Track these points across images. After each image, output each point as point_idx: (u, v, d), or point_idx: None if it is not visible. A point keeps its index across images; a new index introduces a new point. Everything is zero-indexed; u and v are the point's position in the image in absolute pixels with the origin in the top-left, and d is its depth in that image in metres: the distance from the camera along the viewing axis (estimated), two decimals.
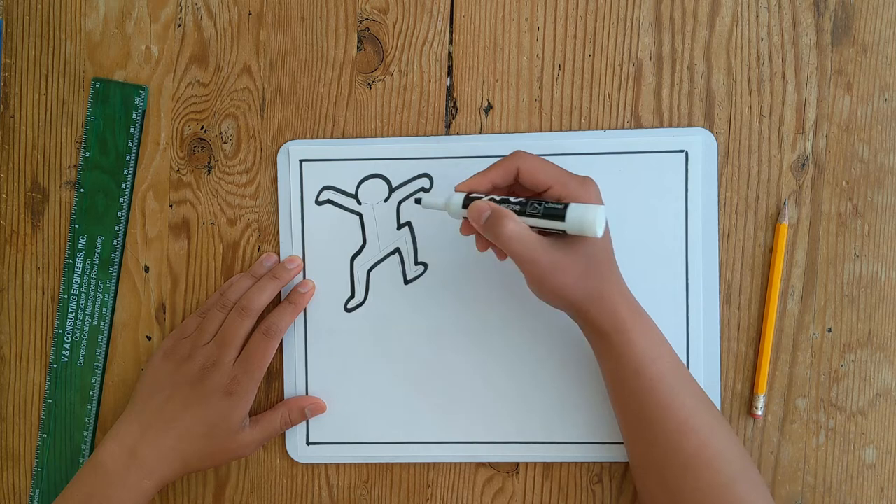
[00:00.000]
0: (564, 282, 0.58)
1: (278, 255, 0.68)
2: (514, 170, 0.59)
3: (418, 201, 0.62)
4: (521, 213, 0.57)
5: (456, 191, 0.60)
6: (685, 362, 0.66)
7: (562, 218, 0.56)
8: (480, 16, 0.67)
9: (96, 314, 0.69)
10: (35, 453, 0.70)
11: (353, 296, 0.68)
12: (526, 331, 0.67)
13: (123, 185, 0.69)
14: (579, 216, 0.55)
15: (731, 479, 0.58)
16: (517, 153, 0.59)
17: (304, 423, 0.68)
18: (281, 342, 0.68)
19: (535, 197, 0.59)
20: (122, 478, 0.62)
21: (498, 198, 0.58)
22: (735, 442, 0.60)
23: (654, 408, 0.59)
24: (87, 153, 0.69)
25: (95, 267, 0.69)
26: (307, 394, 0.68)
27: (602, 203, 0.59)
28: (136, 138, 0.69)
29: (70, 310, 0.69)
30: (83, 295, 0.69)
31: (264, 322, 0.66)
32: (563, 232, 0.57)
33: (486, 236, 0.58)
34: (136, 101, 0.69)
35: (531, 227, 0.57)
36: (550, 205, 0.56)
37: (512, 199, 0.58)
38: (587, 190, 0.58)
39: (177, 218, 0.69)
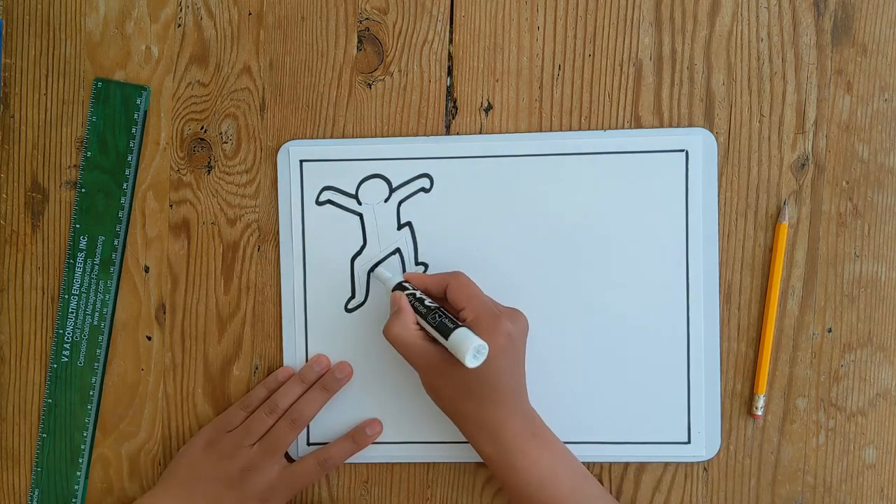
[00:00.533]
0: (438, 392, 0.62)
1: (278, 256, 0.68)
2: (445, 284, 0.63)
3: (372, 269, 0.68)
4: (423, 316, 0.61)
5: (403, 276, 0.65)
6: (686, 362, 0.66)
7: (445, 336, 0.58)
8: (480, 16, 0.67)
9: (97, 314, 0.69)
10: (35, 453, 0.70)
11: (353, 296, 0.68)
12: None
13: (124, 185, 0.69)
14: (458, 342, 0.57)
15: None
16: (457, 273, 0.63)
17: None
18: (280, 336, 0.68)
19: (450, 311, 0.62)
20: None
21: (418, 294, 0.63)
22: None
23: None
24: (88, 153, 0.69)
25: (96, 267, 0.69)
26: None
27: (514, 341, 0.60)
28: (138, 138, 0.69)
29: (70, 310, 0.69)
30: (84, 295, 0.69)
31: (292, 410, 0.66)
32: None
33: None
34: (138, 102, 0.69)
35: (432, 335, 0.61)
36: (446, 322, 0.59)
37: (426, 301, 0.62)
38: (494, 324, 0.59)
39: (177, 218, 0.69)
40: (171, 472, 0.67)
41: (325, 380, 0.67)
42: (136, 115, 0.69)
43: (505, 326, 0.59)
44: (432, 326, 0.60)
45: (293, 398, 0.67)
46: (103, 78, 0.69)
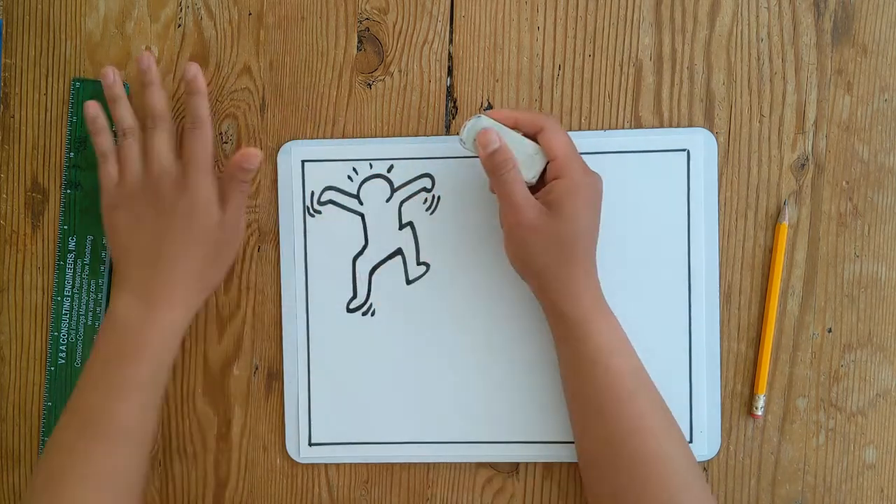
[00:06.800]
0: (536, 243, 0.60)
1: (278, 256, 0.68)
2: (539, 127, 0.61)
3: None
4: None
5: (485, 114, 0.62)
6: (688, 362, 0.66)
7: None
8: (480, 16, 0.67)
9: (90, 314, 0.69)
10: (37, 454, 0.70)
11: (354, 296, 0.68)
12: (527, 330, 0.67)
13: None
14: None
15: (677, 490, 0.58)
16: (551, 120, 0.61)
17: (307, 423, 0.68)
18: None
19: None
20: (148, 322, 0.62)
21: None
22: (685, 451, 0.60)
23: (610, 402, 0.60)
24: (71, 154, 0.69)
25: (86, 267, 0.69)
26: (309, 396, 0.68)
27: (597, 200, 0.62)
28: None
29: (64, 311, 0.69)
30: (76, 296, 0.69)
31: (186, 120, 0.65)
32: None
33: (486, 166, 0.61)
34: None
35: None
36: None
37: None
38: (587, 176, 0.60)
39: None
40: (112, 248, 0.65)
41: (141, 75, 0.65)
42: None
43: (596, 183, 0.61)
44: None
45: (129, 112, 0.65)
46: (81, 78, 0.69)
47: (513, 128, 0.61)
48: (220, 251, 0.65)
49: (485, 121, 0.61)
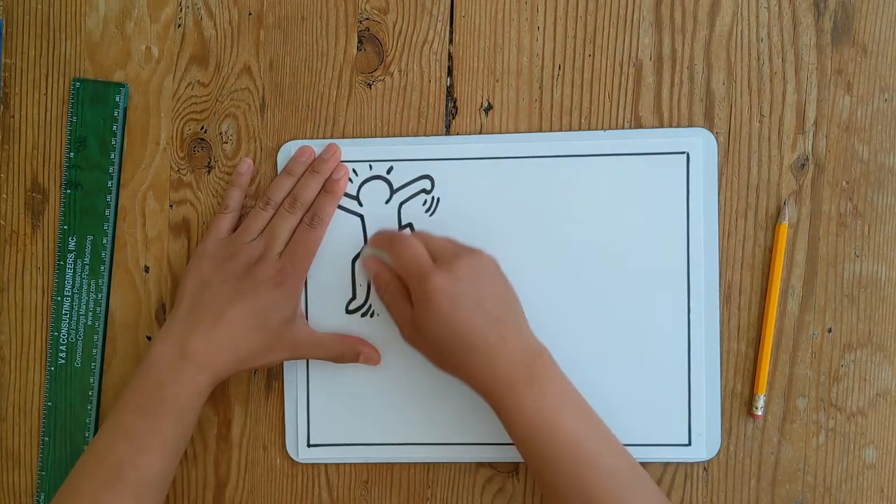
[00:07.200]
0: (428, 352, 0.63)
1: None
2: (387, 249, 0.65)
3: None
4: None
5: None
6: (686, 363, 0.66)
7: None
8: (480, 16, 0.67)
9: (90, 314, 0.69)
10: (37, 454, 0.70)
11: (354, 297, 0.68)
12: None
13: (109, 183, 0.69)
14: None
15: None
16: (396, 241, 0.63)
17: (305, 423, 0.68)
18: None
19: None
20: (175, 375, 0.62)
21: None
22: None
23: (561, 476, 0.57)
24: (71, 154, 0.69)
25: (87, 267, 0.69)
26: (308, 397, 0.68)
27: (453, 292, 0.59)
28: (120, 136, 0.69)
29: (64, 311, 0.69)
30: (76, 296, 0.69)
31: (307, 214, 0.66)
32: None
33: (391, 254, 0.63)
34: (117, 99, 0.68)
35: None
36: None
37: None
38: (421, 287, 0.60)
39: (177, 218, 0.69)
40: (181, 291, 0.65)
41: (315, 164, 0.67)
42: (115, 112, 0.69)
43: (433, 284, 0.59)
44: None
45: (285, 191, 0.67)
46: (81, 78, 0.69)
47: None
48: (274, 348, 0.65)
49: (366, 251, 0.67)
